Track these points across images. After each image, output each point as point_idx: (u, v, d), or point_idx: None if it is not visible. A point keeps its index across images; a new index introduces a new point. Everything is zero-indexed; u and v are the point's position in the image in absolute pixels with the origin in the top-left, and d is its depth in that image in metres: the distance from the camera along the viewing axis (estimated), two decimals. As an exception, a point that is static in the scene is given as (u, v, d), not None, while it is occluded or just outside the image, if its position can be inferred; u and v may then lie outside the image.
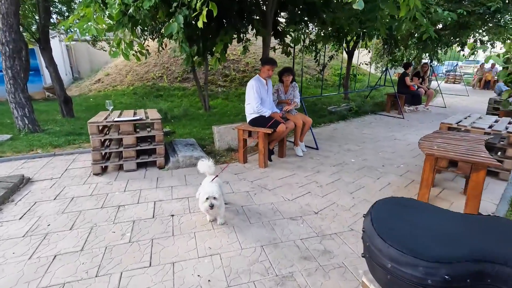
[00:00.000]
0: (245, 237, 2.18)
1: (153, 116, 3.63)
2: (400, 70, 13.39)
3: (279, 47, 6.26)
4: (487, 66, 14.24)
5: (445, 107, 8.64)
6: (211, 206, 2.08)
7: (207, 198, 2.08)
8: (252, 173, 3.54)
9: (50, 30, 9.56)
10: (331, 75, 12.41)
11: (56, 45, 13.04)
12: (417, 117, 7.33)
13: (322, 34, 5.53)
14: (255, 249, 2.04)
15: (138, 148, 3.48)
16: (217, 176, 2.40)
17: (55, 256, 1.94)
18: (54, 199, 2.77)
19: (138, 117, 3.47)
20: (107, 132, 3.46)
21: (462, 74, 15.38)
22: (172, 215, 2.49)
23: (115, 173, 3.44)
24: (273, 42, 5.62)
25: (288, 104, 4.20)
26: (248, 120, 3.97)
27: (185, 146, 4.10)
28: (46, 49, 6.64)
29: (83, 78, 14.11)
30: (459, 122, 3.91)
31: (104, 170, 3.46)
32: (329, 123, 6.59)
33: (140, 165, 3.61)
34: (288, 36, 5.58)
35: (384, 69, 12.00)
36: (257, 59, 11.30)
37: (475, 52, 12.17)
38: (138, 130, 3.59)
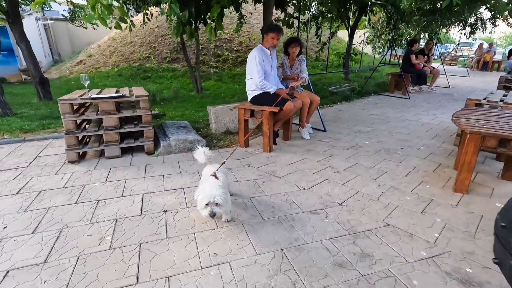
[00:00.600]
0: (259, 238, 1.72)
1: (139, 94, 3.08)
2: (398, 52, 12.90)
3: (277, 21, 5.68)
4: (485, 46, 13.93)
5: (449, 88, 8.28)
6: (212, 215, 1.60)
7: (207, 204, 1.61)
8: (257, 159, 3.07)
9: (23, 6, 8.64)
10: (329, 54, 11.85)
11: (32, 24, 12.00)
12: (423, 97, 6.93)
13: (330, 3, 4.95)
14: (274, 254, 1.59)
15: (122, 130, 2.94)
16: (223, 163, 1.91)
17: (8, 271, 1.45)
18: (17, 193, 2.24)
19: (120, 94, 2.91)
20: (84, 112, 2.90)
21: (459, 56, 15.02)
22: (165, 211, 2.01)
23: (95, 160, 2.91)
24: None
25: (295, 80, 3.69)
26: (249, 98, 3.45)
27: (177, 128, 3.58)
28: (16, 23, 5.84)
29: (64, 60, 13.14)
30: (486, 98, 3.50)
31: (81, 157, 2.92)
32: (332, 104, 6.14)
33: (125, 151, 3.08)
34: (290, 5, 5.00)
35: (387, 47, 11.49)
36: (251, 38, 10.62)
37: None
38: (121, 110, 3.04)
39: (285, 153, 3.26)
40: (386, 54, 7.93)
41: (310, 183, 2.50)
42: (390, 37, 12.15)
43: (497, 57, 14.71)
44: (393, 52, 11.60)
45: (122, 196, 2.20)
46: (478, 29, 11.39)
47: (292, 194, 2.30)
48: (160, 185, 2.39)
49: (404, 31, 12.23)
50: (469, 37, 12.10)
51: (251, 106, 3.33)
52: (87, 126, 3.07)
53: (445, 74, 8.86)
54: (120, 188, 2.33)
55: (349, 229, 1.84)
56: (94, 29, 9.40)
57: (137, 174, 2.60)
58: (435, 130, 4.26)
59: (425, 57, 7.58)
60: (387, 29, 12.07)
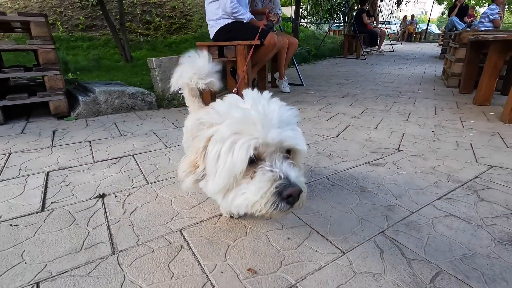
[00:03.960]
0: (320, 220, 0.82)
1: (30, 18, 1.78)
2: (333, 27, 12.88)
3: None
4: (408, 19, 15.00)
5: (393, 51, 8.40)
6: (288, 202, 0.51)
7: (252, 161, 0.52)
8: (237, 112, 2.11)
9: None
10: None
11: None
12: (377, 58, 6.73)
13: None
14: (377, 243, 0.72)
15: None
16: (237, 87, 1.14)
17: None
18: None
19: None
20: None
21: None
22: (102, 196, 0.95)
23: (-51, 133, 1.58)
24: None
25: (267, 16, 2.79)
26: (212, 32, 2.43)
27: (106, 84, 2.37)
28: None
29: None
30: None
31: None
32: (292, 66, 5.45)
33: (12, 115, 1.80)
34: None
35: (326, 18, 11.32)
36: (185, 3, 9.19)
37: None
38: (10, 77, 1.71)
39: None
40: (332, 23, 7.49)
41: (333, 131, 1.67)
42: (329, 6, 12.06)
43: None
44: (326, 28, 11.46)
45: (-3, 182, 1.04)
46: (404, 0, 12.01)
47: (320, 144, 1.44)
48: (84, 155, 1.27)
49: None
50: (397, 8, 12.77)
51: (218, 43, 2.32)
52: None
53: (389, 38, 8.99)
54: (-5, 168, 1.15)
55: (450, 180, 1.08)
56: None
57: (35, 144, 1.40)
58: (415, 78, 3.87)
59: (371, 17, 7.41)
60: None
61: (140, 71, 4.81)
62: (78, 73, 4.69)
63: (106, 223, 0.81)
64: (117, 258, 0.68)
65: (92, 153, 1.30)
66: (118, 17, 6.18)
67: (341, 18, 12.62)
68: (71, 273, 0.63)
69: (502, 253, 0.70)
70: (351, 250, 0.71)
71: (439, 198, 0.95)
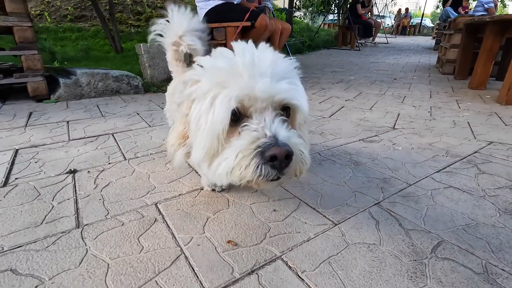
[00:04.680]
0: (310, 193, 0.76)
1: (3, -6, 1.67)
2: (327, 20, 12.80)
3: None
4: (403, 12, 14.97)
5: (387, 43, 8.35)
6: (276, 174, 0.42)
7: (232, 116, 0.43)
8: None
9: None
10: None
11: None
12: (371, 49, 6.69)
13: None
14: (371, 214, 0.65)
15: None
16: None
17: None
18: None
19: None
20: None
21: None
22: (72, 172, 0.87)
23: None
24: None
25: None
26: (202, 14, 2.34)
27: (91, 69, 2.27)
28: None
29: None
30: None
31: None
32: (286, 56, 5.37)
33: (-13, 98, 1.70)
34: None
35: (320, 10, 11.24)
36: (177, -6, 9.02)
37: None
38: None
39: (262, 91, 2.29)
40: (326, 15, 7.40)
41: (326, 112, 1.61)
42: (323, -1, 11.94)
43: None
44: (320, 21, 11.37)
45: (-41, 159, 0.95)
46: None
47: (312, 124, 1.37)
48: (60, 134, 1.18)
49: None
50: (391, 1, 12.74)
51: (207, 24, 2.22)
52: None
53: (384, 31, 8.94)
54: (-40, 147, 1.05)
55: (449, 154, 1.02)
56: None
57: (8, 124, 1.31)
58: (410, 67, 3.83)
59: (366, 8, 7.34)
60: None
61: (130, 61, 4.66)
62: (65, 63, 4.54)
63: (74, 197, 0.73)
64: (81, 232, 0.60)
65: (69, 132, 1.21)
66: (107, 7, 6.01)
67: (336, 10, 12.56)
68: (26, 248, 0.55)
69: (508, 222, 0.64)
70: (343, 221, 0.64)
71: (437, 171, 0.89)
